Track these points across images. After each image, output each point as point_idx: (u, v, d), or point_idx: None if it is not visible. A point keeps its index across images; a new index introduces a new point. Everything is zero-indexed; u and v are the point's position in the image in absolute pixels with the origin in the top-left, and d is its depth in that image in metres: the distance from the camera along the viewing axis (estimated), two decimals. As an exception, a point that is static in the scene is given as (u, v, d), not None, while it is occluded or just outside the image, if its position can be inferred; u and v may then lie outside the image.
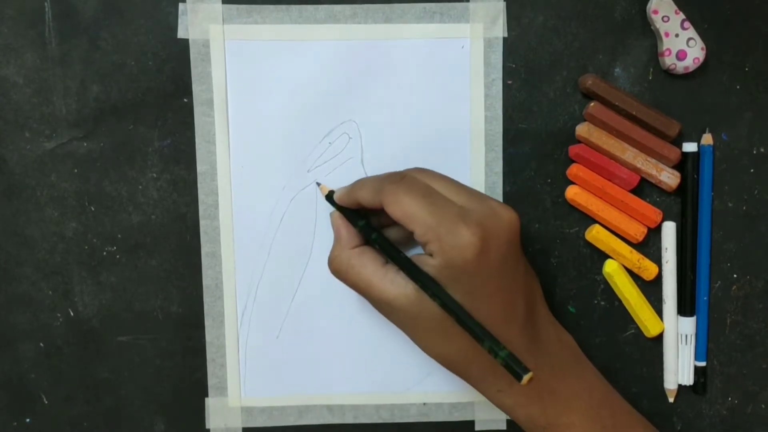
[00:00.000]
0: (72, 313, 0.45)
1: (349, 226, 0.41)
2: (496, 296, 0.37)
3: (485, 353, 0.36)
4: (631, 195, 0.44)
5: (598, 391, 0.41)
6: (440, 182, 0.38)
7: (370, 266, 0.39)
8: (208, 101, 0.43)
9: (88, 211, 0.44)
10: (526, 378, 0.34)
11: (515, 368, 0.34)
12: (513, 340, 0.37)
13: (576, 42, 0.44)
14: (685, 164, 0.44)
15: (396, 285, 0.38)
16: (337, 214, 0.41)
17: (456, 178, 0.44)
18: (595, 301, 0.45)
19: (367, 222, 0.40)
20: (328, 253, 0.44)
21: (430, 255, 0.36)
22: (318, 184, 0.44)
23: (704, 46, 0.43)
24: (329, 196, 0.42)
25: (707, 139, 0.44)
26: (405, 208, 0.36)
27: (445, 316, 0.36)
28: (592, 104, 0.43)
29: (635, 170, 0.43)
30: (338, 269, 0.40)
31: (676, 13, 0.43)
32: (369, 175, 0.44)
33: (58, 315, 0.45)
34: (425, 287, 0.36)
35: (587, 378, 0.41)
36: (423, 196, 0.36)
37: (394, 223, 0.38)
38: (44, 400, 0.45)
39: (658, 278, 0.45)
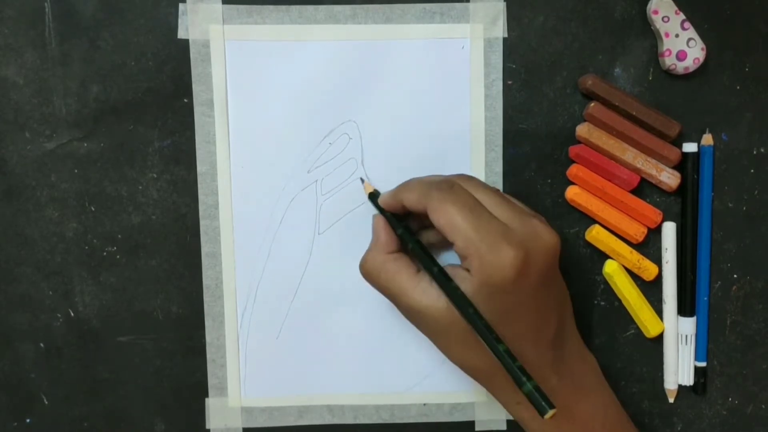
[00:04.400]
0: (72, 314, 0.45)
1: (388, 230, 0.40)
2: (529, 315, 0.37)
3: None
4: (631, 195, 0.44)
5: (613, 413, 0.41)
6: (487, 195, 0.38)
7: (404, 273, 0.38)
8: (208, 101, 0.43)
9: (88, 212, 0.44)
10: (549, 414, 0.34)
11: (540, 402, 0.34)
12: (540, 357, 0.38)
13: (576, 42, 0.44)
14: (685, 164, 0.44)
15: (428, 295, 0.37)
16: (380, 217, 0.41)
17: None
18: (595, 301, 0.45)
19: (406, 228, 0.40)
20: (327, 253, 0.44)
21: (468, 270, 0.36)
22: (362, 180, 0.44)
23: (704, 47, 0.43)
24: (372, 196, 0.42)
25: (707, 139, 0.44)
26: (450, 219, 0.36)
27: None
28: (592, 104, 0.43)
29: (635, 170, 0.43)
30: (370, 272, 0.40)
31: (676, 13, 0.43)
32: (369, 175, 0.44)
33: (58, 315, 0.45)
34: (457, 305, 0.36)
35: (604, 400, 0.41)
36: (470, 210, 0.36)
37: (434, 226, 0.38)
38: (44, 400, 0.45)
39: (658, 278, 0.45)
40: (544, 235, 0.37)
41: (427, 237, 0.42)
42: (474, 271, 0.36)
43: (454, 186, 0.38)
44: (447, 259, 0.43)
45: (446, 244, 0.41)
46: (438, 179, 0.39)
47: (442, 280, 0.37)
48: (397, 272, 0.39)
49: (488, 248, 0.35)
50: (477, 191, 0.38)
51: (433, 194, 0.37)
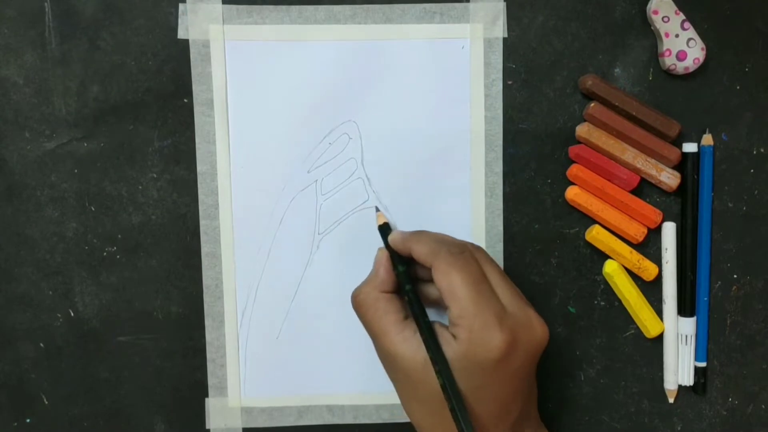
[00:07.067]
0: (72, 313, 0.45)
1: (389, 269, 0.40)
2: (499, 396, 0.37)
3: None
4: (631, 195, 0.44)
5: None
6: (493, 271, 0.38)
7: (392, 316, 0.38)
8: (208, 101, 0.43)
9: (88, 211, 0.44)
10: None
11: None
12: None
13: (576, 42, 0.44)
14: (685, 164, 0.44)
15: (408, 345, 0.37)
16: (384, 251, 0.41)
17: (456, 179, 0.44)
18: (595, 301, 0.45)
19: (406, 271, 0.40)
20: (327, 254, 0.44)
21: (454, 337, 0.36)
22: (377, 209, 0.44)
23: (704, 47, 0.43)
24: (383, 228, 0.42)
25: (707, 139, 0.44)
26: (452, 285, 0.36)
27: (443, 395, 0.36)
28: (592, 104, 0.43)
29: (635, 170, 0.43)
30: (361, 304, 0.40)
31: (676, 13, 0.43)
32: (368, 176, 0.44)
33: (58, 315, 0.45)
34: (434, 362, 0.36)
35: None
36: (473, 282, 0.36)
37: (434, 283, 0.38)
38: (44, 400, 0.45)
39: (658, 278, 0.45)
40: (536, 328, 0.37)
41: (426, 290, 0.41)
42: (460, 340, 0.36)
43: (465, 252, 0.37)
44: (434, 317, 0.42)
45: (440, 304, 0.40)
46: (450, 240, 0.39)
47: (427, 333, 0.37)
48: (386, 313, 0.38)
49: (481, 325, 0.35)
50: (484, 264, 0.38)
51: (441, 255, 0.37)
